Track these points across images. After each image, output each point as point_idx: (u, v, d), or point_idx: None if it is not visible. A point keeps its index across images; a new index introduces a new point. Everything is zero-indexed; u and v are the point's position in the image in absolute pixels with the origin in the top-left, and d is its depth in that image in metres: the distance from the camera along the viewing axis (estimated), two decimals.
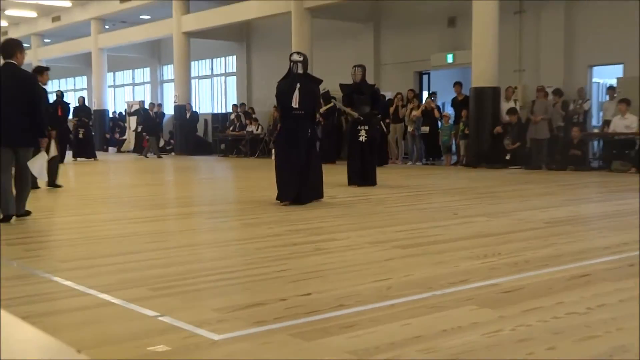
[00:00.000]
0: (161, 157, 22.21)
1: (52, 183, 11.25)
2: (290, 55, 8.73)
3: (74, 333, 3.11)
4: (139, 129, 24.71)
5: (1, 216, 7.03)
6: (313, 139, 8.59)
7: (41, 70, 11.21)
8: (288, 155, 8.36)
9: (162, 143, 22.70)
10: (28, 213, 7.56)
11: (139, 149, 24.70)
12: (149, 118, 22.75)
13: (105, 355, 2.74)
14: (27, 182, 7.57)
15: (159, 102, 28.28)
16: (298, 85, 8.29)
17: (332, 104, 10.75)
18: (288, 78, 8.51)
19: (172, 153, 24.48)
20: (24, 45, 7.78)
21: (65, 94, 23.87)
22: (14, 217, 7.08)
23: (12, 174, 7.24)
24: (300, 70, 8.43)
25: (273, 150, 20.45)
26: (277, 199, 8.33)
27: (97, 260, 5.02)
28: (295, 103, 8.25)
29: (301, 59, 8.49)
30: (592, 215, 7.54)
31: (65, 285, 4.12)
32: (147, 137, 22.98)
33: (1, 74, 7.18)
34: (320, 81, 8.79)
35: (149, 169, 17.43)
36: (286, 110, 8.41)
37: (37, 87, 7.63)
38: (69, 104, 17.27)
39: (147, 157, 21.92)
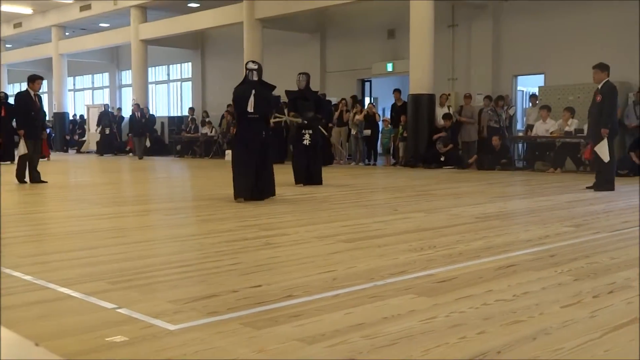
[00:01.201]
0: (142, 158, 21.36)
1: (36, 179, 11.09)
2: (246, 63, 8.73)
3: (33, 326, 3.02)
4: (107, 131, 24.30)
5: None
6: (267, 141, 8.57)
7: (33, 79, 11.26)
8: (243, 156, 8.34)
9: (148, 144, 21.94)
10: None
11: (103, 149, 24.29)
12: (134, 120, 22.14)
13: (64, 347, 2.67)
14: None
15: (118, 106, 27.92)
16: (253, 91, 8.31)
17: (282, 119, 10.74)
18: (244, 84, 8.50)
19: (130, 154, 24.14)
20: None
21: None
22: None
23: None
24: (255, 78, 8.45)
25: (228, 152, 20.46)
26: (234, 196, 8.29)
27: (56, 255, 4.92)
28: (250, 108, 8.27)
29: (256, 67, 8.51)
30: (517, 211, 7.67)
31: (25, 279, 4.02)
32: (133, 137, 22.39)
33: None
34: (274, 87, 8.82)
35: (109, 168, 17.14)
36: (242, 114, 8.41)
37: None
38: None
39: (141, 159, 21.16)
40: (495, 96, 16.00)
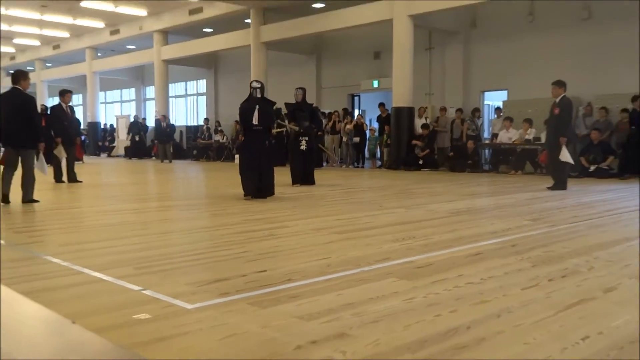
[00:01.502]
0: (166, 161, 21.03)
1: (73, 179, 11.14)
2: (251, 82, 8.73)
3: (70, 306, 3.03)
4: (137, 138, 24.32)
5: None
6: (269, 148, 8.59)
7: (63, 93, 11.36)
8: (249, 161, 8.37)
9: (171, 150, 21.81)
10: (34, 201, 7.81)
11: (131, 154, 24.30)
12: (160, 128, 21.99)
13: (96, 324, 2.67)
14: (28, 176, 7.75)
15: (143, 116, 27.87)
16: (257, 106, 8.36)
17: (284, 129, 10.74)
18: (249, 101, 8.51)
19: (154, 157, 24.08)
20: (28, 68, 8.05)
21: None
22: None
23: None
24: (258, 95, 8.50)
25: (237, 156, 20.45)
26: (244, 194, 8.35)
27: (90, 244, 4.91)
28: (255, 120, 8.33)
29: (259, 85, 8.57)
30: (484, 207, 7.68)
31: (63, 265, 4.02)
32: (158, 144, 22.18)
33: (8, 96, 7.68)
34: (274, 103, 8.92)
35: (135, 170, 17.10)
36: (248, 126, 8.44)
37: (32, 106, 7.79)
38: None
39: (162, 162, 20.89)
40: (465, 109, 16.11)
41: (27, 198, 7.82)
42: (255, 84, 8.59)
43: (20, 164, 7.71)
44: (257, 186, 8.35)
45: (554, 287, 3.38)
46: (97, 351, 0.60)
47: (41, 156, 7.81)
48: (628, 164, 12.31)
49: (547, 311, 2.89)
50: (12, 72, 8.02)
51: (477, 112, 15.70)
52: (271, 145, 8.75)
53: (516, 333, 2.57)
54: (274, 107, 9.39)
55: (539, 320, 2.74)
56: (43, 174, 8.30)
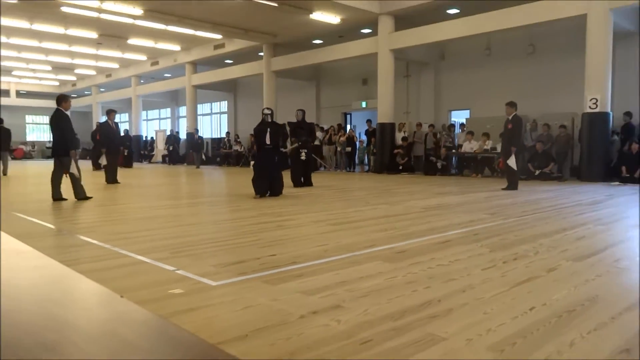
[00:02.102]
0: (199, 168, 20.67)
1: (113, 181, 11.15)
2: (263, 109, 8.83)
3: (118, 282, 3.01)
4: (171, 148, 24.39)
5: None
6: (278, 162, 8.71)
7: (109, 112, 11.39)
8: (261, 171, 8.49)
9: (204, 157, 21.61)
10: (88, 198, 7.88)
11: (168, 161, 24.38)
12: (192, 140, 22.01)
13: (139, 297, 2.66)
14: (74, 178, 7.78)
15: (176, 130, 27.84)
16: (268, 129, 8.50)
17: (295, 145, 10.75)
18: (262, 124, 8.64)
19: (185, 164, 24.07)
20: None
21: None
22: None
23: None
24: (269, 119, 8.63)
25: (252, 167, 20.42)
26: (255, 193, 8.44)
27: (133, 233, 4.90)
28: (267, 140, 8.48)
29: (270, 112, 8.66)
30: (451, 204, 7.68)
31: (112, 250, 4.01)
32: (193, 152, 22.01)
33: (52, 116, 7.78)
34: (283, 125, 9.10)
35: (169, 174, 17.08)
36: (261, 144, 8.58)
37: (64, 122, 7.72)
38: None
39: (198, 168, 20.52)
40: (436, 125, 16.14)
41: (78, 196, 7.81)
42: (266, 111, 8.69)
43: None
44: (267, 188, 8.47)
45: (508, 268, 3.38)
46: (141, 320, 0.59)
47: (73, 161, 7.74)
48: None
49: (502, 287, 2.89)
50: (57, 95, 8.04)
51: (452, 127, 15.72)
52: (280, 160, 8.88)
53: (478, 305, 2.57)
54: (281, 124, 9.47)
55: (495, 295, 2.74)
56: (78, 176, 8.08)
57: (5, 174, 15.01)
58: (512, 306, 2.56)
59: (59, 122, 7.65)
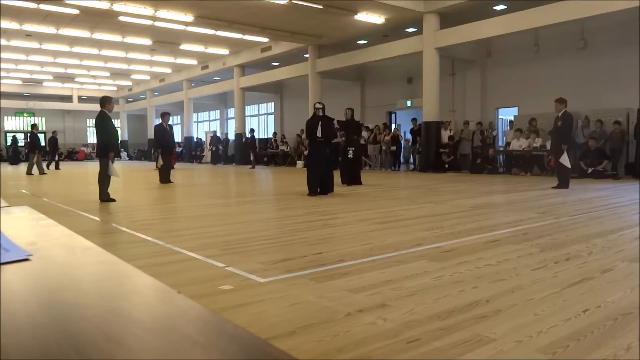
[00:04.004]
0: (254, 168, 20.44)
1: (167, 181, 11.47)
2: (314, 104, 8.91)
3: (172, 278, 3.11)
4: (214, 149, 24.86)
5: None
6: (329, 155, 8.76)
7: (163, 115, 11.70)
8: (314, 166, 8.56)
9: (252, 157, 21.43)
10: (110, 200, 7.63)
11: (215, 160, 24.85)
12: (242, 142, 22.44)
13: (192, 292, 2.74)
14: (103, 179, 7.67)
15: (225, 131, 28.39)
16: (320, 122, 8.52)
17: (340, 140, 10.78)
18: (313, 119, 8.68)
19: (233, 163, 24.52)
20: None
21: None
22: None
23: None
24: (321, 113, 8.62)
25: (299, 162, 20.59)
26: (309, 192, 8.56)
27: (185, 231, 5.03)
28: (319, 134, 8.49)
29: (321, 106, 8.71)
30: (499, 202, 7.48)
31: (166, 247, 4.13)
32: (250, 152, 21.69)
33: (96, 118, 7.72)
34: (333, 119, 9.04)
35: (220, 173, 17.44)
36: (313, 138, 8.60)
37: (105, 123, 7.65)
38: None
39: (253, 168, 20.26)
40: (484, 123, 15.79)
41: (101, 197, 7.61)
42: (317, 105, 8.71)
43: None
44: (319, 185, 8.50)
45: (559, 268, 3.26)
46: (198, 316, 0.61)
47: (110, 163, 7.58)
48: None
49: (553, 288, 2.79)
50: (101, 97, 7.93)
51: (490, 125, 15.42)
52: (332, 154, 8.92)
53: (527, 306, 2.49)
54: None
55: (546, 296, 2.65)
56: (116, 177, 8.05)
57: (42, 172, 16.09)
58: (564, 308, 2.46)
59: (103, 123, 7.58)
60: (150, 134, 26.46)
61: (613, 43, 13.34)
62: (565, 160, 9.08)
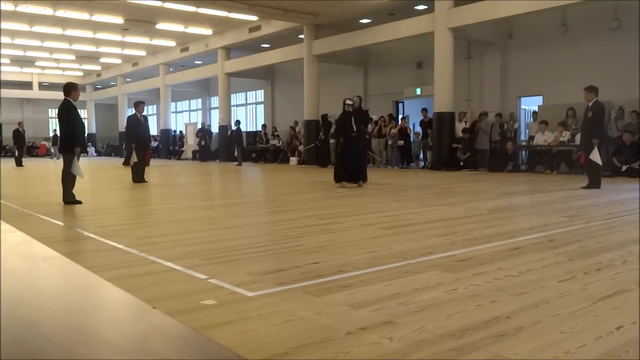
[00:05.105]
0: (241, 165, 20.07)
1: (141, 180, 11.41)
2: (344, 100, 9.98)
3: (147, 291, 3.10)
4: (202, 143, 24.94)
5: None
6: (362, 149, 10.14)
7: (137, 104, 11.61)
8: (344, 157, 9.89)
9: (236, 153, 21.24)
10: (76, 202, 7.55)
11: (204, 157, 24.89)
12: (227, 135, 22.47)
13: (169, 308, 2.73)
14: (67, 178, 7.61)
15: (208, 123, 28.38)
16: (353, 118, 9.73)
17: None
18: (344, 115, 9.85)
19: (217, 160, 24.50)
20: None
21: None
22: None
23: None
24: (350, 109, 9.82)
25: (293, 158, 20.56)
26: (336, 181, 10.06)
27: (162, 237, 5.03)
28: (354, 128, 9.71)
29: (352, 102, 9.89)
30: (522, 205, 7.50)
31: (140, 256, 4.12)
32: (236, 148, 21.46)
33: (59, 107, 7.67)
34: (367, 110, 10.76)
35: (201, 171, 17.42)
36: (347, 133, 9.76)
37: (70, 114, 7.59)
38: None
39: (240, 165, 19.88)
40: (504, 114, 15.82)
41: (65, 199, 7.56)
42: (348, 101, 9.87)
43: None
44: (350, 174, 9.91)
45: (590, 279, 3.27)
46: (175, 334, 0.61)
47: (75, 160, 7.50)
48: None
49: (582, 302, 2.80)
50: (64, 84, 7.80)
51: (512, 116, 15.46)
52: (364, 147, 10.39)
53: (553, 322, 2.50)
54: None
55: (575, 311, 2.66)
56: (80, 177, 7.82)
57: None
58: (595, 324, 2.47)
59: (67, 114, 7.54)
60: (122, 126, 26.43)
61: None
62: (596, 156, 9.12)
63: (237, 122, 20.79)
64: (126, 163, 17.54)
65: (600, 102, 9.25)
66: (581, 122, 9.86)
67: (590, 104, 9.23)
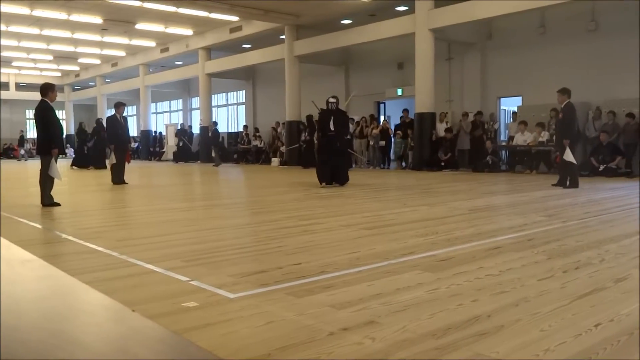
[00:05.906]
0: (219, 166, 19.96)
1: (120, 181, 11.31)
2: (328, 98, 10.14)
3: (127, 294, 3.07)
4: (181, 144, 24.72)
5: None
6: (341, 148, 10.26)
7: (118, 105, 11.52)
8: (325, 157, 10.09)
9: (213, 154, 21.07)
10: (54, 205, 7.46)
11: (184, 159, 24.69)
12: (207, 134, 22.14)
13: (149, 310, 2.71)
14: (45, 180, 7.51)
15: (189, 124, 28.19)
16: (332, 117, 9.92)
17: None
18: (326, 113, 10.09)
19: (199, 161, 24.36)
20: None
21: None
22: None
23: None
24: (334, 107, 10.05)
25: (275, 159, 20.54)
26: (319, 182, 10.16)
27: (143, 239, 4.99)
28: (331, 127, 9.90)
29: (334, 100, 10.10)
30: (501, 204, 7.58)
31: (120, 258, 4.08)
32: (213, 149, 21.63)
33: (36, 109, 7.61)
34: (345, 112, 10.88)
35: (182, 172, 17.30)
36: (325, 131, 10.03)
37: (48, 115, 7.51)
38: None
39: (217, 166, 19.77)
40: (484, 114, 15.97)
41: (43, 201, 7.48)
42: (331, 99, 10.04)
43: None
44: (330, 175, 10.03)
45: (568, 278, 3.31)
46: (155, 337, 0.60)
47: (53, 161, 7.41)
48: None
49: (561, 300, 2.84)
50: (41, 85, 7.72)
51: (492, 117, 15.61)
52: (343, 147, 10.42)
53: (533, 321, 2.53)
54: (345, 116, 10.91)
55: (554, 309, 2.69)
56: (57, 179, 7.67)
57: None
58: (573, 322, 2.51)
59: (44, 115, 7.45)
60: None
61: (627, 25, 13.58)
62: (569, 156, 9.26)
63: (214, 123, 20.96)
64: (98, 165, 17.57)
65: (571, 104, 9.42)
66: (554, 123, 10.07)
67: (562, 106, 9.44)
